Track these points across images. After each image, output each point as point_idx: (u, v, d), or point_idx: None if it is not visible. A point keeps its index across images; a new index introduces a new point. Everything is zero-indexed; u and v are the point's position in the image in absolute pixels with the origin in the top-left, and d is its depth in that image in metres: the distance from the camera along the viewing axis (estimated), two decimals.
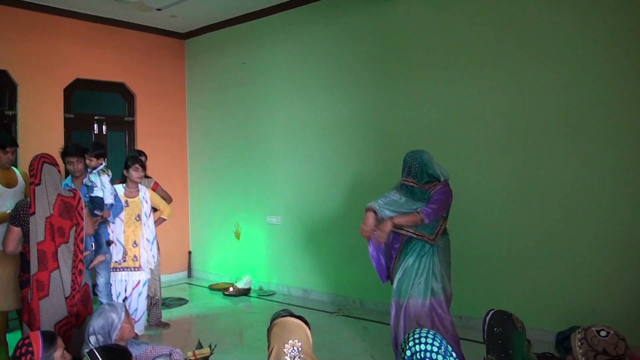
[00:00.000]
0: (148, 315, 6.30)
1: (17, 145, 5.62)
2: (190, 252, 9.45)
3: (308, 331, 2.93)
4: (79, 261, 4.12)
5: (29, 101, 7.49)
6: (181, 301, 7.67)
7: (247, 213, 8.48)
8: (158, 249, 6.17)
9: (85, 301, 4.28)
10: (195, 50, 9.33)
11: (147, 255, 5.78)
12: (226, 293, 8.01)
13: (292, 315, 3.02)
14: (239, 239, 8.58)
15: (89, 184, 5.24)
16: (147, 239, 5.80)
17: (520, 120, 5.72)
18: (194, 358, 4.44)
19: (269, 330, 2.96)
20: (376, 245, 4.72)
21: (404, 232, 4.53)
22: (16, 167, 5.74)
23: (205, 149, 9.22)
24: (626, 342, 2.60)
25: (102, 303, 5.28)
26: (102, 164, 5.37)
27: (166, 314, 6.82)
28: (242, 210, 8.55)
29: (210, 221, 9.13)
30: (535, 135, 5.61)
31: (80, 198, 4.24)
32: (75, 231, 4.13)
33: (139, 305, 5.78)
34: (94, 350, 2.93)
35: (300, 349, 2.83)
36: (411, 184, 4.55)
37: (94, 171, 5.29)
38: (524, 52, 5.69)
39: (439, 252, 4.53)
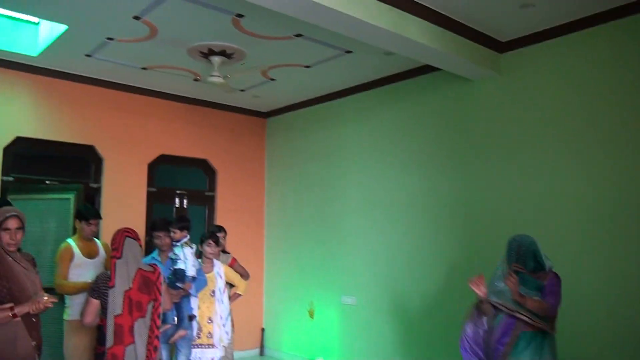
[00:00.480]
0: None
1: (101, 218, 5.79)
2: (263, 330, 9.38)
3: None
4: (155, 337, 4.12)
5: (114, 175, 7.78)
6: None
7: (322, 291, 8.38)
8: (232, 325, 6.11)
9: None
10: (275, 128, 9.54)
11: (221, 332, 5.72)
12: None
13: None
14: (312, 317, 8.46)
15: (173, 257, 5.29)
16: (220, 316, 5.76)
17: (602, 211, 5.47)
18: None
19: None
20: (474, 331, 4.47)
21: (519, 315, 4.16)
22: (98, 238, 5.90)
23: (281, 224, 9.27)
24: None
25: None
26: (185, 236, 5.43)
27: None
28: (317, 288, 8.46)
29: (285, 298, 9.07)
30: (622, 225, 5.36)
31: (160, 273, 4.27)
32: (153, 306, 4.15)
33: None
34: None
35: None
36: (521, 270, 4.27)
37: (177, 244, 5.35)
38: (608, 140, 5.48)
39: (552, 350, 4.18)
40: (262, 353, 9.28)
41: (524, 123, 6.18)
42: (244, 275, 6.42)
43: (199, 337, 5.56)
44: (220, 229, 6.48)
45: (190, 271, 5.26)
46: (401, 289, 7.26)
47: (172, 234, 5.46)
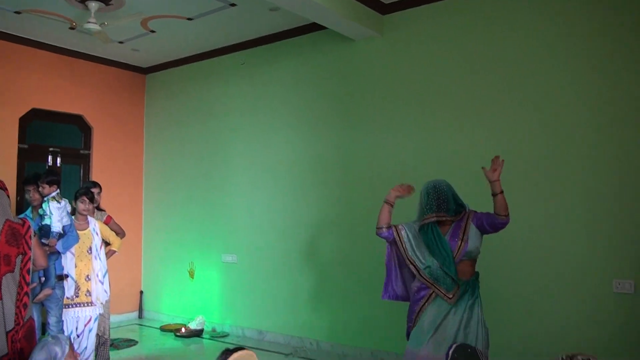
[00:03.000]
0: (96, 356, 6.03)
1: None
2: (141, 292, 9.17)
3: None
4: (25, 294, 3.89)
5: None
6: (130, 342, 7.41)
7: (203, 252, 8.30)
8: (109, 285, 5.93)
9: (29, 337, 4.03)
10: (155, 86, 9.24)
11: (98, 289, 5.53)
12: (178, 334, 7.78)
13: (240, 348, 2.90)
14: (193, 278, 8.37)
15: (42, 212, 5.06)
16: (97, 273, 5.57)
17: (486, 161, 5.70)
18: None
19: None
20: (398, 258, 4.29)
21: (435, 289, 4.02)
22: None
23: (161, 185, 9.05)
24: None
25: None
26: (55, 191, 5.18)
27: (114, 355, 6.55)
28: (197, 248, 8.37)
29: (164, 260, 8.89)
30: (504, 178, 5.58)
31: (29, 226, 4.03)
32: (22, 261, 3.92)
33: (88, 343, 5.49)
34: None
35: None
36: (444, 218, 4.06)
37: (45, 198, 5.11)
38: (490, 93, 5.77)
39: (481, 302, 4.09)
40: (140, 316, 9.09)
41: (404, 83, 6.38)
42: (120, 233, 6.26)
43: (77, 296, 5.38)
44: (95, 184, 6.26)
45: (55, 227, 5.03)
46: (282, 247, 7.35)
47: (40, 189, 5.22)
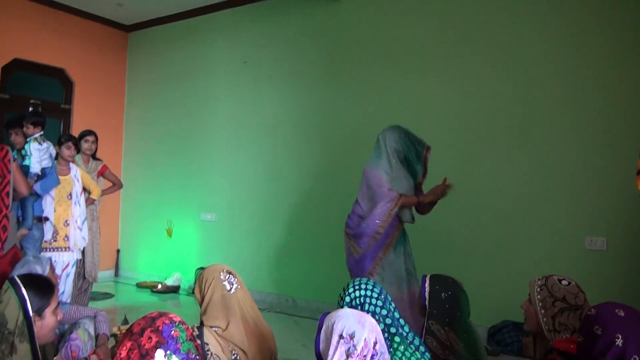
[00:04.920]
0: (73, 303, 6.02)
1: None
2: (118, 251, 9.14)
3: None
4: (4, 216, 3.90)
5: None
6: (107, 295, 7.44)
7: (182, 210, 8.30)
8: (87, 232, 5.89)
9: (14, 264, 4.03)
10: (138, 44, 9.18)
11: (76, 235, 5.52)
12: (154, 290, 7.80)
13: None
14: (170, 236, 8.36)
15: (24, 153, 5.04)
16: (76, 219, 5.56)
17: (464, 120, 5.84)
18: (119, 333, 4.21)
19: (199, 283, 2.95)
20: None
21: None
22: None
23: (141, 143, 9.01)
24: (585, 295, 2.52)
25: None
26: (39, 132, 5.16)
27: (91, 305, 6.54)
28: (176, 206, 8.36)
29: (142, 218, 8.87)
30: (479, 136, 5.75)
31: (7, 151, 4.03)
32: (1, 184, 3.92)
33: (66, 287, 5.48)
34: (15, 277, 2.72)
35: (234, 276, 2.82)
36: None
37: (28, 139, 5.08)
38: (470, 54, 5.83)
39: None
40: (117, 274, 9.06)
41: (388, 44, 6.42)
42: (117, 183, 6.38)
43: (55, 241, 5.36)
44: (91, 132, 6.24)
45: (34, 168, 5.00)
46: (260, 205, 7.39)
47: (25, 129, 5.18)
